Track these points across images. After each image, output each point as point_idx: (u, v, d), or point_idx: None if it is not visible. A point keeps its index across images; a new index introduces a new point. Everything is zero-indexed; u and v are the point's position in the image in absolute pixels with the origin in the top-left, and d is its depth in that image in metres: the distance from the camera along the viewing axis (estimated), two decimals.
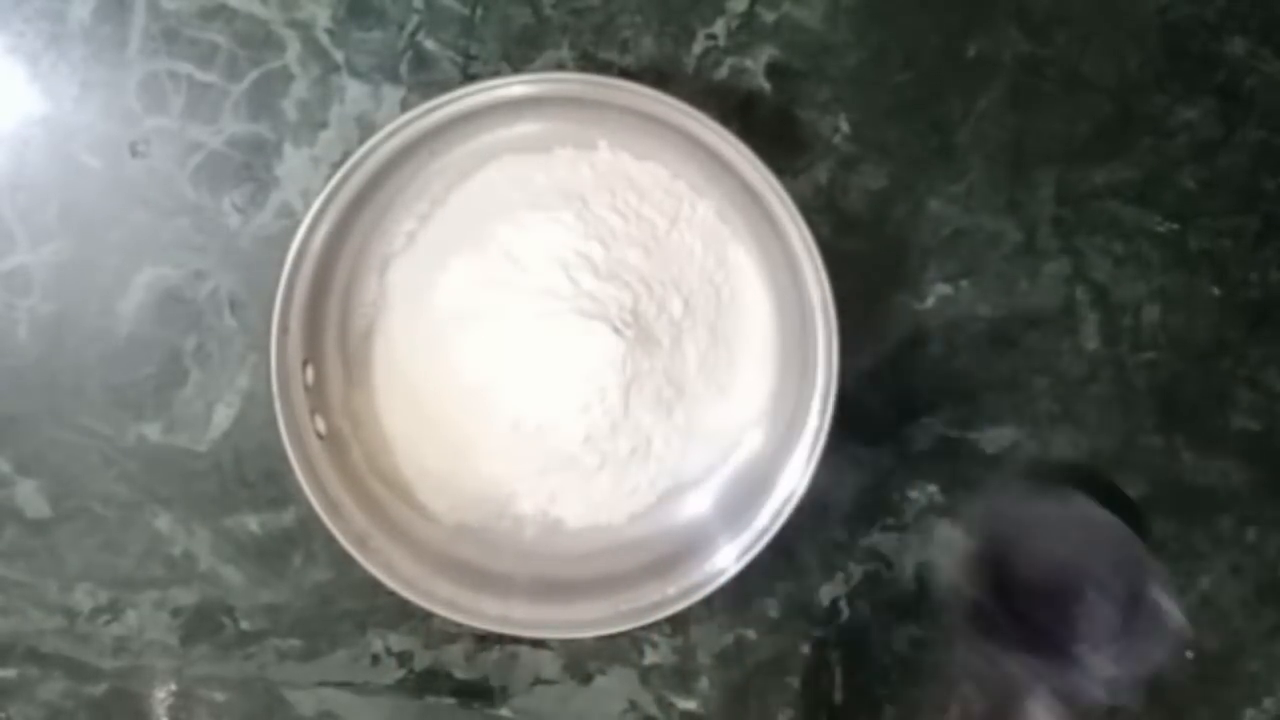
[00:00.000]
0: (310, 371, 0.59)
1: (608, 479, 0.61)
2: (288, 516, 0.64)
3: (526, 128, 0.59)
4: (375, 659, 0.66)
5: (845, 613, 0.66)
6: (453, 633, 0.65)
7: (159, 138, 0.62)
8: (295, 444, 0.57)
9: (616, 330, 0.58)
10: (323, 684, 0.66)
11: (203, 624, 0.65)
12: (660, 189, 0.61)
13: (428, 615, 0.60)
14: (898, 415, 0.65)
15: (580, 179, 0.60)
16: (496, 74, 0.62)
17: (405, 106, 0.62)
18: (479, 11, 0.62)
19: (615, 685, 0.66)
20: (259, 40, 0.62)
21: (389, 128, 0.55)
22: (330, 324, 0.61)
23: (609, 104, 0.56)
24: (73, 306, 0.63)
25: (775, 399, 0.61)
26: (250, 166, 0.62)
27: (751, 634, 0.66)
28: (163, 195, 0.62)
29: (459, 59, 0.62)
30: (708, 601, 0.59)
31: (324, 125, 0.62)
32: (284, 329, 0.57)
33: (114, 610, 0.65)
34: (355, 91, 0.62)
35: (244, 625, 0.65)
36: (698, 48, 0.62)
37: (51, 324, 0.63)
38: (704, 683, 0.66)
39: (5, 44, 0.62)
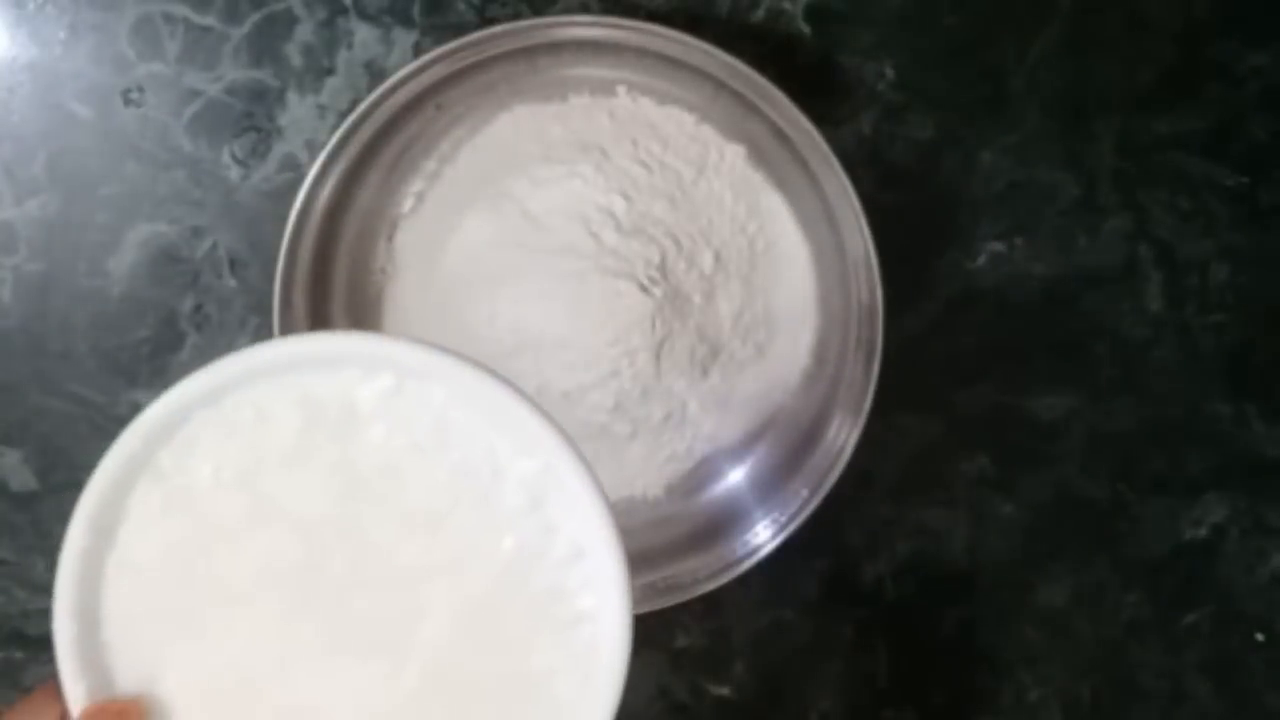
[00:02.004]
0: None
1: (641, 448, 0.61)
2: None
3: (542, 74, 0.59)
4: None
5: (890, 592, 0.66)
6: None
7: (153, 85, 0.62)
8: None
9: (644, 288, 0.58)
10: None
11: None
12: (685, 135, 0.60)
13: None
14: (947, 381, 0.65)
15: (599, 128, 0.60)
16: (516, 16, 0.61)
17: (418, 51, 0.61)
18: None
19: (644, 670, 0.66)
20: None
21: (401, 74, 0.55)
22: (337, 294, 0.61)
23: (629, 46, 0.56)
24: (61, 266, 0.63)
25: (816, 360, 0.61)
26: (251, 116, 0.62)
27: (790, 615, 0.66)
28: (157, 147, 0.62)
29: (475, 0, 0.61)
30: (743, 580, 0.59)
31: (331, 72, 0.62)
32: (287, 301, 0.57)
33: None
34: (364, 35, 0.62)
35: None
36: None
37: (38, 284, 0.63)
38: (739, 667, 0.66)
39: None
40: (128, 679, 0.40)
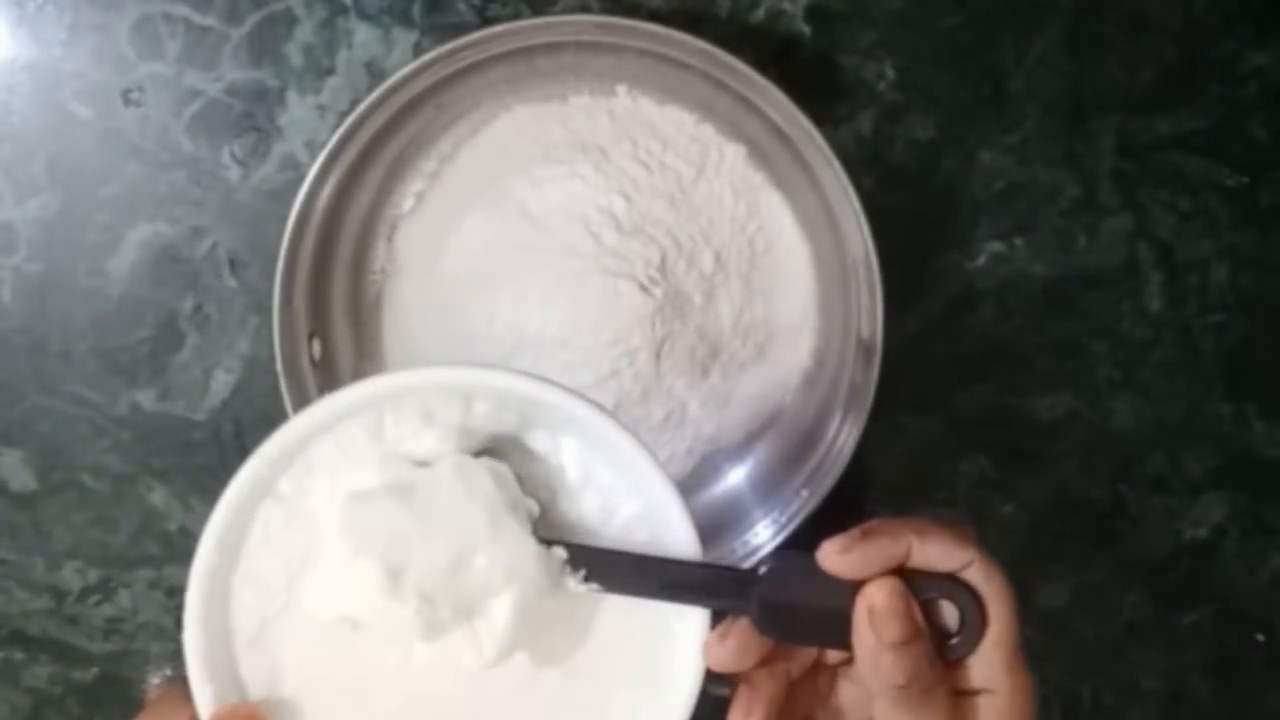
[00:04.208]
0: (317, 345, 0.59)
1: None
2: None
3: (542, 74, 0.59)
4: None
5: None
6: None
7: (154, 85, 0.62)
8: None
9: (644, 288, 0.58)
10: None
11: None
12: (685, 135, 0.60)
13: None
14: (947, 381, 0.65)
15: (599, 128, 0.60)
16: (516, 16, 0.61)
17: (418, 52, 0.61)
18: None
19: None
20: None
21: (401, 74, 0.55)
22: (337, 293, 0.61)
23: (629, 47, 0.56)
24: (61, 266, 0.63)
25: (816, 360, 0.61)
26: (251, 116, 0.62)
27: None
28: (158, 147, 0.62)
29: (475, 0, 0.61)
30: None
31: (330, 72, 0.62)
32: (287, 301, 0.57)
33: (105, 590, 0.65)
34: (364, 35, 0.61)
35: None
36: None
37: (38, 284, 0.63)
38: None
39: None
40: (253, 683, 0.43)
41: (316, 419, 0.43)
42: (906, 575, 0.41)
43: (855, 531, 0.41)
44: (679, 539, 0.43)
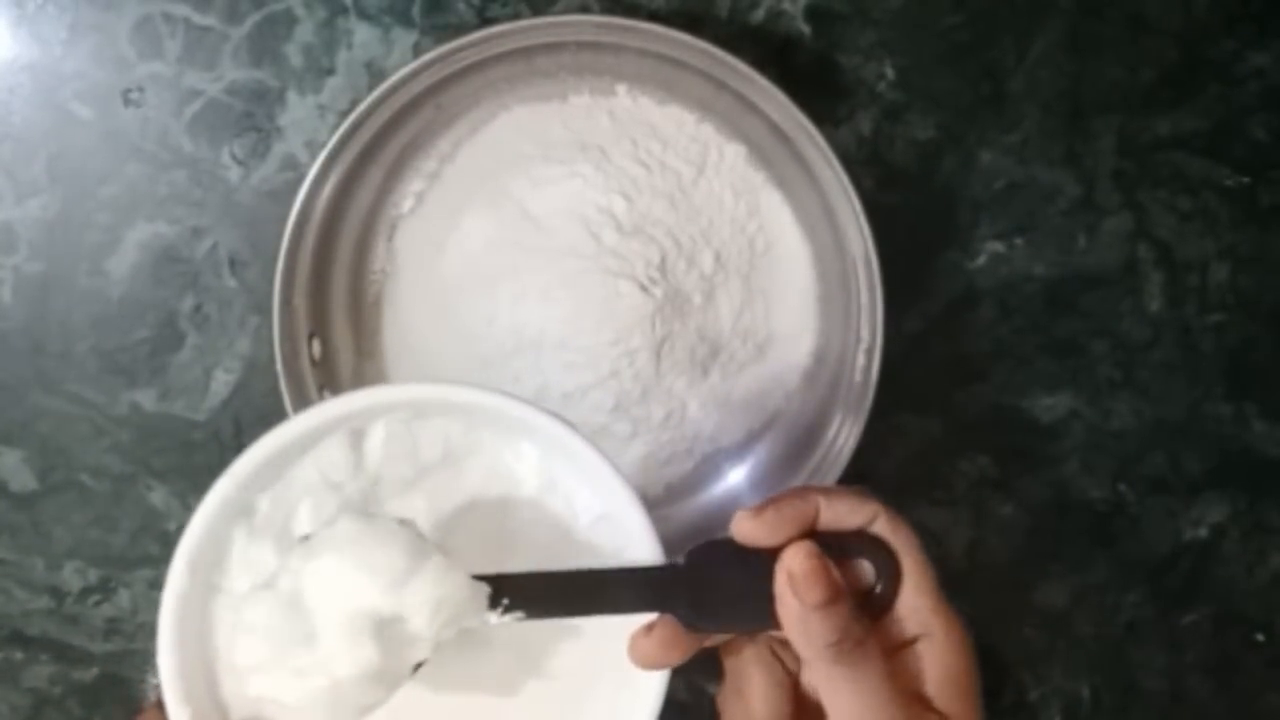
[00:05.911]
0: (317, 345, 0.59)
1: (641, 448, 0.61)
2: None
3: (542, 74, 0.59)
4: None
5: None
6: None
7: (154, 85, 0.62)
8: None
9: (644, 288, 0.58)
10: None
11: None
12: (685, 135, 0.60)
13: None
14: (947, 381, 0.65)
15: (599, 128, 0.60)
16: (516, 16, 0.61)
17: (418, 52, 0.61)
18: None
19: None
20: None
21: (401, 74, 0.55)
22: (337, 294, 0.61)
23: (629, 47, 0.56)
24: (61, 266, 0.63)
25: (816, 360, 0.61)
26: (251, 116, 0.62)
27: None
28: (158, 147, 0.62)
29: (475, 0, 0.61)
30: None
31: (330, 72, 0.62)
32: (286, 302, 0.57)
33: (105, 590, 0.65)
34: (364, 35, 0.62)
35: None
36: None
37: (38, 284, 0.63)
38: None
39: None
40: (236, 704, 0.43)
41: (286, 438, 0.42)
42: (819, 541, 0.42)
43: (764, 500, 0.42)
44: (640, 543, 0.43)
